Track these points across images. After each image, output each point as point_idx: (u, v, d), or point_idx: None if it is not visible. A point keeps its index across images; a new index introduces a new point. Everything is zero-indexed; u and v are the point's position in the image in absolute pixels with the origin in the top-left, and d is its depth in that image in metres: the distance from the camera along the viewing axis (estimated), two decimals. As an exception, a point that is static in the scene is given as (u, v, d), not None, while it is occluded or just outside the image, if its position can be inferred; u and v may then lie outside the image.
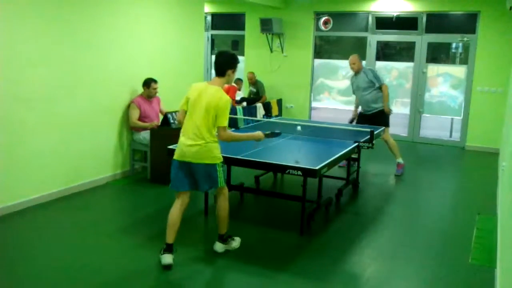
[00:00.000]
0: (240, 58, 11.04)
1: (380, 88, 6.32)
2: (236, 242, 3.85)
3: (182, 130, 3.56)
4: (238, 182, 5.25)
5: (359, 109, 6.71)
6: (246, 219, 4.84)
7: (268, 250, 3.97)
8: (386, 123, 6.41)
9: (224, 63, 3.55)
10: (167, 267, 3.45)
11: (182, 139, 3.52)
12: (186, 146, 3.46)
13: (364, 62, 9.26)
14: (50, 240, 4.00)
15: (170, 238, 3.54)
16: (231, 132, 3.62)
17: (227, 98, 3.48)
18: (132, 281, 3.38)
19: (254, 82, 9.35)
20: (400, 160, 6.56)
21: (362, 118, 6.59)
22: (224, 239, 3.80)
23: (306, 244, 4.10)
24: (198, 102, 3.46)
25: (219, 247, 3.79)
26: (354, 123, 6.64)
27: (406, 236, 4.43)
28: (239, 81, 8.95)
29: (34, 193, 4.80)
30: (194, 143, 3.43)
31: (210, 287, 3.36)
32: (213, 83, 3.57)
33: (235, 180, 5.32)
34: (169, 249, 3.52)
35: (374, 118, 6.41)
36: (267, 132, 3.92)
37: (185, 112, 3.57)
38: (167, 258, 3.48)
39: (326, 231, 4.46)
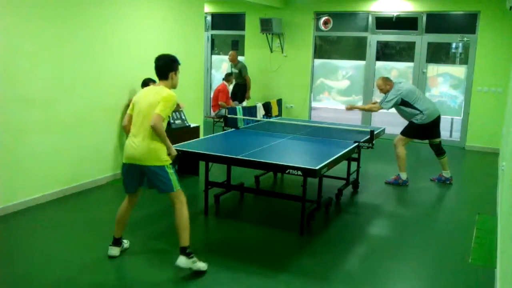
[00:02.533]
0: (240, 58, 10.99)
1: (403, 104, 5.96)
2: (202, 264, 3.47)
3: (130, 133, 3.50)
4: (238, 182, 5.26)
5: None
6: (246, 219, 4.84)
7: (268, 250, 3.97)
8: (406, 133, 6.12)
9: (165, 66, 3.50)
10: (112, 257, 3.64)
11: (129, 141, 3.46)
12: (133, 148, 3.40)
13: (363, 63, 9.29)
14: (50, 240, 4.00)
15: (117, 233, 3.68)
16: (163, 127, 3.38)
17: (171, 92, 3.42)
18: (132, 281, 3.38)
19: (236, 63, 9.33)
20: (402, 174, 6.11)
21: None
22: (187, 253, 3.42)
23: (306, 244, 4.10)
24: (143, 102, 3.41)
25: (182, 261, 3.40)
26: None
27: (406, 236, 4.43)
28: (230, 76, 8.90)
29: (34, 193, 4.80)
30: (141, 144, 3.37)
31: (210, 287, 3.35)
32: (158, 85, 3.54)
33: (235, 180, 5.33)
34: (116, 242, 3.68)
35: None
36: (175, 155, 3.53)
37: (131, 116, 3.51)
38: (112, 251, 3.66)
39: (326, 231, 4.46)
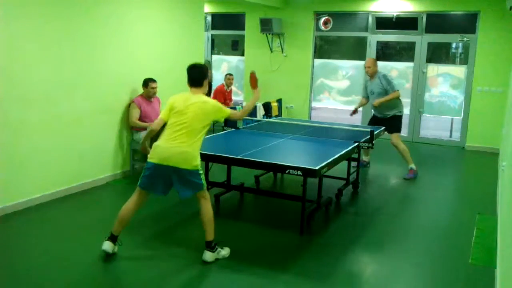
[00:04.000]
0: (240, 58, 11.02)
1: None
2: (225, 251, 3.74)
3: (165, 136, 3.58)
4: (238, 182, 5.26)
5: (372, 111, 6.73)
6: (246, 219, 4.84)
7: (269, 250, 3.97)
8: (398, 128, 6.37)
9: (201, 74, 3.72)
10: (105, 252, 3.62)
11: (165, 144, 3.53)
12: (169, 149, 3.49)
13: (363, 63, 9.28)
14: (50, 240, 3.99)
15: (116, 230, 3.67)
16: (237, 112, 3.88)
17: (216, 102, 3.71)
18: (132, 281, 3.38)
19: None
20: (412, 166, 6.36)
21: (375, 120, 6.55)
22: (212, 247, 3.65)
23: (306, 244, 4.10)
24: (188, 109, 3.55)
25: (208, 256, 3.62)
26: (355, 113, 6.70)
27: (406, 236, 4.43)
28: (229, 75, 8.88)
29: (35, 193, 4.80)
30: (179, 148, 3.48)
31: (210, 287, 3.36)
32: (195, 92, 3.69)
33: (235, 180, 5.33)
34: (112, 238, 3.66)
35: (387, 122, 6.34)
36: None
37: (164, 122, 3.65)
38: (107, 245, 3.62)
39: (326, 231, 4.46)
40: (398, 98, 6.29)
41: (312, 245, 4.09)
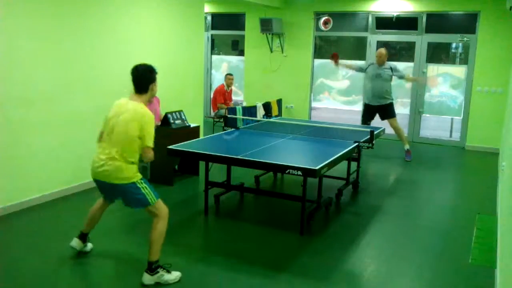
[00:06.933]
0: (240, 58, 10.98)
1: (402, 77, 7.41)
2: (172, 276, 3.30)
3: (96, 149, 3.37)
4: (238, 182, 5.26)
5: (366, 101, 7.49)
6: (246, 219, 4.84)
7: (269, 250, 3.97)
8: (394, 113, 7.30)
9: (145, 78, 3.31)
10: (73, 248, 3.61)
11: (95, 156, 3.34)
12: (98, 163, 3.27)
13: (363, 63, 9.28)
14: (50, 240, 3.99)
15: (86, 228, 3.65)
16: (151, 151, 3.27)
17: (149, 114, 3.23)
18: (132, 281, 3.38)
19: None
20: (407, 146, 7.33)
21: (369, 110, 7.37)
22: (152, 269, 3.24)
23: (306, 244, 4.10)
24: (118, 119, 3.21)
25: (146, 278, 3.24)
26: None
27: (406, 236, 4.43)
28: (229, 75, 8.85)
29: (34, 193, 4.81)
30: (109, 161, 3.22)
31: (210, 287, 3.35)
32: (135, 99, 3.29)
33: (235, 180, 5.33)
34: (81, 236, 3.64)
35: (384, 109, 7.25)
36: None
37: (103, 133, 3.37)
38: (74, 242, 3.61)
39: (326, 231, 4.46)
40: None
41: (312, 245, 4.09)
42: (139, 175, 3.31)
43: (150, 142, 3.22)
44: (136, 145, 3.22)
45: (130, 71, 3.32)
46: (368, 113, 7.37)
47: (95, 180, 3.39)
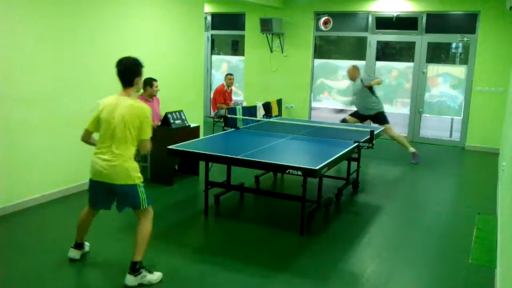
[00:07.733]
0: (240, 58, 10.98)
1: (370, 89, 7.03)
2: (154, 276, 3.30)
3: (97, 150, 3.32)
4: (238, 182, 5.26)
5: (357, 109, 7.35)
6: (246, 219, 4.84)
7: (268, 250, 3.97)
8: (385, 120, 7.14)
9: (130, 71, 3.33)
10: (72, 260, 3.59)
11: (95, 158, 3.30)
12: (102, 166, 3.23)
13: (363, 62, 9.29)
14: (50, 240, 3.99)
15: (78, 237, 3.62)
16: (148, 142, 3.34)
17: (145, 106, 3.29)
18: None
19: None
20: (412, 149, 7.23)
21: (362, 117, 7.30)
22: (136, 270, 3.22)
23: (306, 244, 4.10)
24: (114, 117, 3.21)
25: (129, 280, 3.22)
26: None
27: (406, 236, 4.43)
28: (230, 75, 8.83)
29: (34, 193, 4.81)
30: (110, 162, 3.20)
31: (210, 287, 3.35)
32: (124, 94, 3.34)
33: (235, 180, 5.33)
34: (77, 246, 3.63)
35: (375, 118, 7.20)
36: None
37: (91, 133, 3.38)
38: (73, 253, 3.60)
39: (326, 231, 4.46)
40: (378, 84, 7.05)
41: (312, 245, 4.09)
42: (141, 177, 3.34)
43: (149, 134, 3.28)
44: (135, 140, 3.26)
45: (115, 64, 3.30)
46: (360, 117, 7.35)
47: (96, 183, 3.34)
